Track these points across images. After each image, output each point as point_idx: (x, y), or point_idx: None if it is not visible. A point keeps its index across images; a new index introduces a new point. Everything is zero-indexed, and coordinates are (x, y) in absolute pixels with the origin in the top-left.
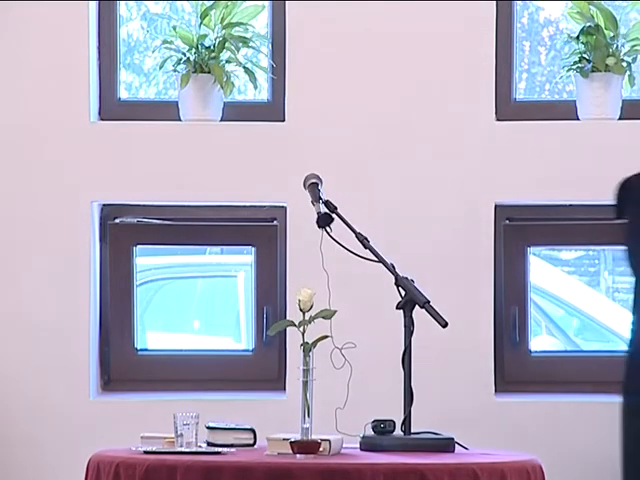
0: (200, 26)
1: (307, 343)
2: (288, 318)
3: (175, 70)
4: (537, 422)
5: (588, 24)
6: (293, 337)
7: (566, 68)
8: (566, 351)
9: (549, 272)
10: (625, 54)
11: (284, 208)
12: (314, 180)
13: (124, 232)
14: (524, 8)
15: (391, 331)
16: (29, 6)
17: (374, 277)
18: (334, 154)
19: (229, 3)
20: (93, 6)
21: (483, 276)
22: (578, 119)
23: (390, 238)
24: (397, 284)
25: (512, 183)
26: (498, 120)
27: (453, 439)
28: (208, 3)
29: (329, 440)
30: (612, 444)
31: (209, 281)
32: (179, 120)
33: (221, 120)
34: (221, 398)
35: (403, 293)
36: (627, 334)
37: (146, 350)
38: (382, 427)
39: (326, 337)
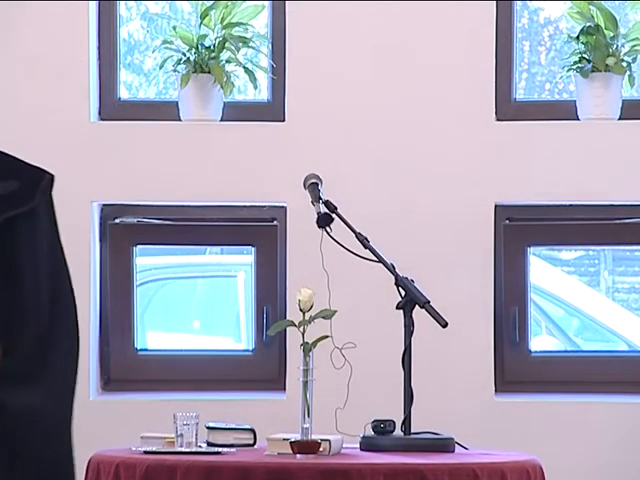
0: (200, 26)
1: (307, 343)
2: (288, 318)
3: (175, 70)
4: (537, 422)
5: (588, 24)
6: (293, 337)
7: (566, 68)
8: (566, 351)
9: (549, 272)
10: (625, 54)
11: (284, 208)
12: (314, 180)
13: (124, 232)
14: (524, 8)
15: (391, 331)
16: (29, 6)
17: (374, 277)
18: (334, 154)
19: (229, 3)
20: (93, 6)
21: (483, 276)
22: (578, 119)
23: (390, 238)
24: (397, 284)
25: (512, 183)
26: (498, 120)
27: (453, 439)
28: (208, 3)
29: (329, 440)
30: (612, 444)
31: (209, 281)
32: (179, 120)
33: (221, 120)
34: (221, 398)
35: (403, 293)
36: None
37: (146, 350)
38: (382, 427)
39: (326, 337)
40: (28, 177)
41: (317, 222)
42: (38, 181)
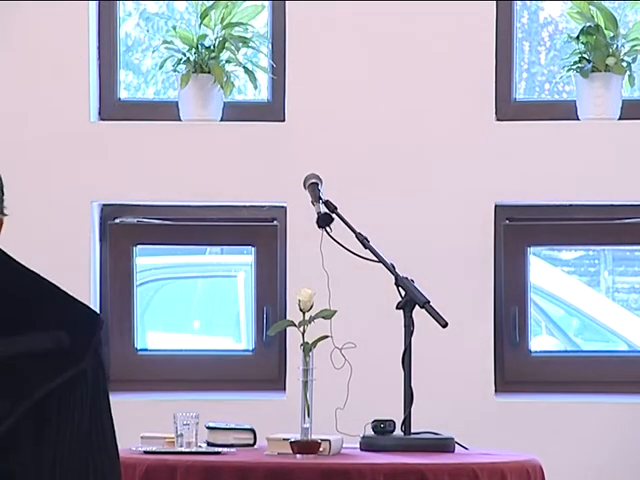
0: (200, 26)
1: (307, 343)
2: (288, 318)
3: (175, 70)
4: (537, 422)
5: (588, 24)
6: (293, 337)
7: (566, 68)
8: (566, 351)
9: (549, 272)
10: (625, 54)
11: (284, 208)
12: (314, 180)
13: (124, 232)
14: (524, 8)
15: (391, 331)
16: (29, 6)
17: (374, 277)
18: (334, 154)
19: (229, 3)
20: (93, 6)
21: (483, 276)
22: (578, 119)
23: (390, 238)
24: (397, 284)
25: (512, 183)
26: (498, 120)
27: (453, 439)
28: (208, 3)
29: (329, 440)
30: (612, 444)
31: (209, 281)
32: (179, 120)
33: (221, 120)
34: (221, 398)
35: (403, 293)
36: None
37: (146, 350)
38: (382, 427)
39: (326, 337)
40: (81, 325)
41: (317, 222)
42: (92, 332)
